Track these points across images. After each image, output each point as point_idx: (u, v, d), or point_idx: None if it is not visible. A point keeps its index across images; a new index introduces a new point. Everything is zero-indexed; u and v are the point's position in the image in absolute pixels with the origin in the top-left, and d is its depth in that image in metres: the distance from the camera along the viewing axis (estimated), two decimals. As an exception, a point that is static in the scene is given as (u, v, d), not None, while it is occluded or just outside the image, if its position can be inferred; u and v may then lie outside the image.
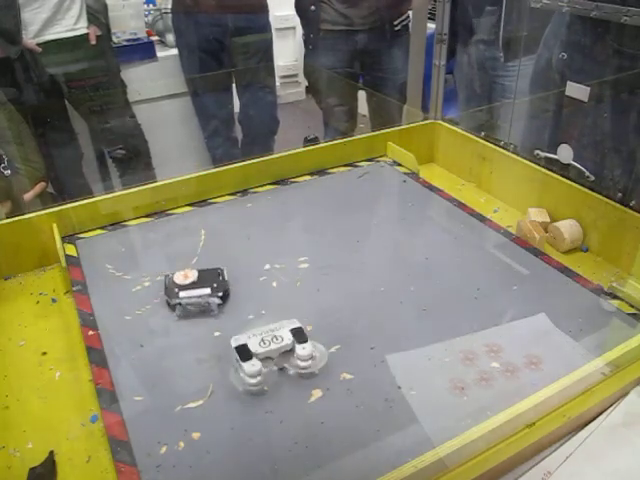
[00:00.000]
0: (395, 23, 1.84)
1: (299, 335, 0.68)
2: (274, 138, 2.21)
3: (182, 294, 0.77)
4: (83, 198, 0.94)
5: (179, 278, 0.79)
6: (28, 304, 0.83)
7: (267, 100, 2.16)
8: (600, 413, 0.62)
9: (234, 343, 0.67)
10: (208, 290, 0.77)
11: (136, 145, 2.02)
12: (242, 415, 0.62)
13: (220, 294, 0.77)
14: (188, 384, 0.66)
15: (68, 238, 0.93)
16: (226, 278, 0.80)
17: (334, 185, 1.10)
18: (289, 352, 0.67)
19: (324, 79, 1.96)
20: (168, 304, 0.77)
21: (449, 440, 0.53)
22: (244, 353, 0.65)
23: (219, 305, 0.77)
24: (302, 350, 0.66)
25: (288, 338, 0.67)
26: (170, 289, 0.78)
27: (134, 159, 2.02)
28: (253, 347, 0.66)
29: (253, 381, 0.64)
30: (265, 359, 0.66)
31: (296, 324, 0.69)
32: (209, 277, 0.80)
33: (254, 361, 0.64)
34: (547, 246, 0.91)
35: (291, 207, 1.03)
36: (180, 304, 0.76)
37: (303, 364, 0.66)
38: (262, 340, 0.67)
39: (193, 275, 0.79)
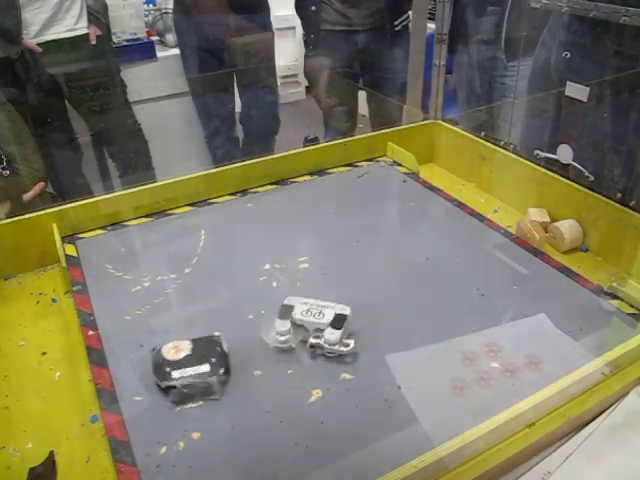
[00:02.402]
0: (395, 23, 1.84)
1: (338, 321, 0.69)
2: (275, 138, 2.21)
3: (175, 374, 0.63)
4: (83, 198, 0.94)
5: (169, 353, 0.65)
6: (28, 304, 0.83)
7: (268, 100, 2.16)
8: (600, 413, 0.62)
9: (285, 302, 0.72)
10: (207, 367, 0.64)
11: (136, 145, 2.02)
12: (242, 415, 0.62)
13: (222, 371, 0.65)
14: (188, 384, 0.66)
15: (68, 238, 0.93)
16: (225, 349, 0.67)
17: (334, 185, 1.10)
18: (322, 331, 0.69)
19: (324, 79, 1.96)
20: (158, 386, 0.64)
21: (449, 440, 0.53)
22: (284, 313, 0.70)
23: (220, 385, 0.64)
24: (330, 335, 0.68)
25: (327, 319, 0.69)
26: (160, 368, 0.64)
27: (134, 158, 2.02)
28: (296, 312, 0.70)
29: (280, 338, 0.68)
30: (300, 327, 0.70)
31: (345, 311, 0.71)
32: (205, 348, 0.67)
33: (287, 322, 0.69)
34: (547, 246, 0.91)
35: (291, 207, 1.03)
36: (174, 387, 0.63)
37: (327, 347, 0.68)
38: (308, 310, 0.70)
39: (186, 347, 0.66)
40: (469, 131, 1.13)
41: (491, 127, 1.22)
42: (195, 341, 0.67)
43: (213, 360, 0.65)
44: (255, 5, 1.99)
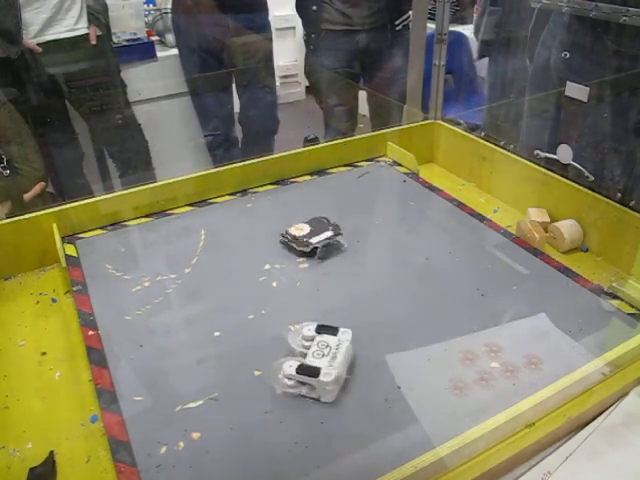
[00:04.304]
0: (396, 23, 1.85)
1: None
2: (274, 138, 2.21)
3: (314, 240, 0.86)
4: (83, 198, 0.94)
5: (297, 232, 0.87)
6: (28, 304, 0.83)
7: (267, 100, 2.16)
8: (600, 413, 0.62)
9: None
10: (330, 232, 0.87)
11: (136, 145, 2.03)
12: (242, 415, 0.62)
13: (340, 231, 0.88)
14: (188, 384, 0.66)
15: (68, 238, 0.93)
16: (332, 221, 0.90)
17: (334, 185, 1.10)
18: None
19: (324, 79, 1.96)
20: (303, 252, 0.86)
21: (449, 440, 0.53)
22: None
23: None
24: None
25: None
26: (299, 240, 0.86)
27: (134, 158, 2.02)
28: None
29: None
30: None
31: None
32: (321, 224, 0.90)
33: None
34: (547, 246, 0.91)
35: (291, 207, 1.03)
36: (317, 247, 0.85)
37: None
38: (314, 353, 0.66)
39: (305, 227, 0.89)
40: (469, 131, 1.13)
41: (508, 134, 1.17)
42: (309, 221, 0.91)
43: (330, 228, 0.89)
44: (253, 5, 1.99)
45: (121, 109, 1.96)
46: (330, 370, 0.62)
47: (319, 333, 0.68)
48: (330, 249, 0.87)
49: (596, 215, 0.88)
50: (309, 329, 0.68)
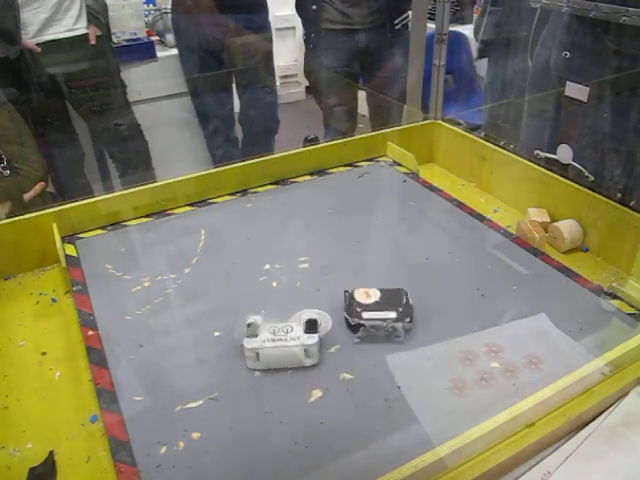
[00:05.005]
0: (396, 22, 1.85)
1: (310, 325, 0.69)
2: (274, 138, 2.21)
3: (365, 315, 0.71)
4: (83, 198, 0.94)
5: (361, 296, 0.74)
6: (28, 304, 0.83)
7: (267, 100, 2.16)
8: (600, 413, 0.62)
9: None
10: (394, 314, 0.71)
11: (136, 145, 2.02)
12: (242, 415, 0.62)
13: (408, 319, 0.71)
14: (188, 384, 0.66)
15: (68, 238, 0.93)
16: (410, 302, 0.74)
17: (334, 185, 1.10)
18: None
19: (324, 79, 1.96)
20: (348, 322, 0.73)
21: (449, 440, 0.53)
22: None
23: (406, 331, 0.71)
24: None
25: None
26: (352, 307, 0.73)
27: (134, 158, 2.02)
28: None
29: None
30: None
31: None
32: (393, 299, 0.74)
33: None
34: (547, 246, 0.91)
35: (291, 207, 1.03)
36: (364, 326, 0.71)
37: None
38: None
39: (375, 295, 0.74)
40: (469, 131, 1.13)
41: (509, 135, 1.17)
42: (383, 291, 0.75)
43: (400, 309, 0.72)
44: (253, 5, 1.99)
45: (121, 109, 1.96)
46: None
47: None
48: (379, 334, 0.71)
49: (596, 215, 0.88)
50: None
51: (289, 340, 0.67)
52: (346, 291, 0.75)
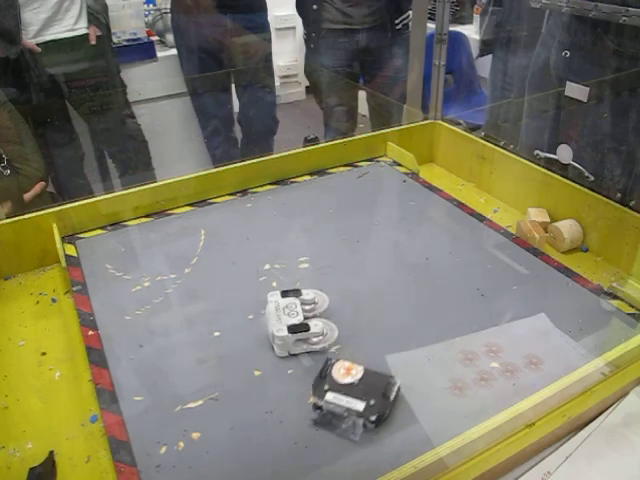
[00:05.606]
0: (396, 22, 1.85)
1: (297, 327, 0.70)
2: (274, 138, 2.21)
3: (329, 397, 0.61)
4: (83, 198, 0.94)
5: (339, 371, 0.64)
6: (28, 304, 0.83)
7: (266, 100, 2.16)
8: (600, 413, 0.62)
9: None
10: (361, 406, 0.60)
11: (136, 145, 2.02)
12: (242, 415, 0.62)
13: (373, 418, 0.59)
14: (188, 384, 0.66)
15: (68, 238, 0.93)
16: (392, 396, 0.61)
17: (334, 185, 1.10)
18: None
19: (325, 79, 1.96)
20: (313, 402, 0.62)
21: (449, 440, 0.53)
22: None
23: (364, 429, 0.59)
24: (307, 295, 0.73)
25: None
26: (321, 382, 0.63)
27: (134, 158, 2.02)
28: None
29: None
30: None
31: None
32: (373, 385, 0.62)
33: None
34: (547, 246, 0.91)
35: (291, 207, 1.03)
36: (321, 408, 0.61)
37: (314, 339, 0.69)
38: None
39: (357, 374, 0.63)
40: (469, 131, 1.13)
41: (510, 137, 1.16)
42: (368, 372, 0.63)
43: (371, 402, 0.60)
44: (252, 5, 1.99)
45: (121, 109, 1.96)
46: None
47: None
48: (337, 424, 0.59)
49: (596, 215, 0.88)
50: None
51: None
52: (329, 359, 0.66)
